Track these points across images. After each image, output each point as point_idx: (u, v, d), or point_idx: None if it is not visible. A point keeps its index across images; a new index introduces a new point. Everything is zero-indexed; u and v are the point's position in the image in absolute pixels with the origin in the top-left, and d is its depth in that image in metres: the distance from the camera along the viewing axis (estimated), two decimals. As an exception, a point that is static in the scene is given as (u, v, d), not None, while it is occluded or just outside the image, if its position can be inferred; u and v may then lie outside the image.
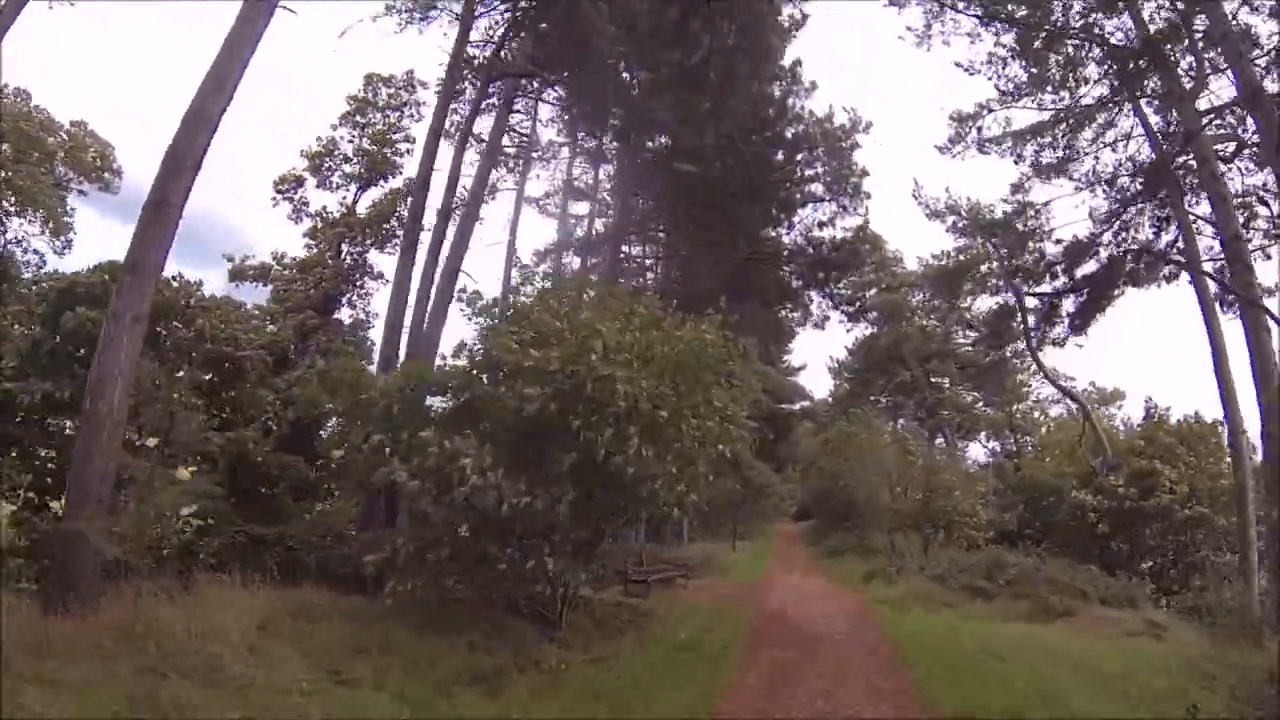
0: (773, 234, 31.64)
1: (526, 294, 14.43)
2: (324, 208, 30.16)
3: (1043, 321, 28.36)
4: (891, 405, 48.83)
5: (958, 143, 25.71)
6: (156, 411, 15.44)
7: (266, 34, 13.17)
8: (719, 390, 12.66)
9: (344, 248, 29.62)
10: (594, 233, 31.80)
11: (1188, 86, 19.72)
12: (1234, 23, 17.88)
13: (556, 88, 26.18)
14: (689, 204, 27.50)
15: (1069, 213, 45.06)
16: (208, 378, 19.63)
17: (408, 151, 29.64)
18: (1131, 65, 20.76)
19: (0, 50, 13.10)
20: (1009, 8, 22.19)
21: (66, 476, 11.39)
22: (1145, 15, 19.95)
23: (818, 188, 29.87)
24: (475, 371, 12.63)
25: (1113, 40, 21.23)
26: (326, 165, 30.34)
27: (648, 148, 28.57)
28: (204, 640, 8.15)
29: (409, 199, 23.55)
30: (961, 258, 32.90)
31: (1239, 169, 21.11)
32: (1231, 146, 20.91)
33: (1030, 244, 27.18)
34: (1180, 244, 23.00)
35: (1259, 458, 19.16)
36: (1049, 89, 23.88)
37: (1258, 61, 17.90)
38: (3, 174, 25.45)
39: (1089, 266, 25.81)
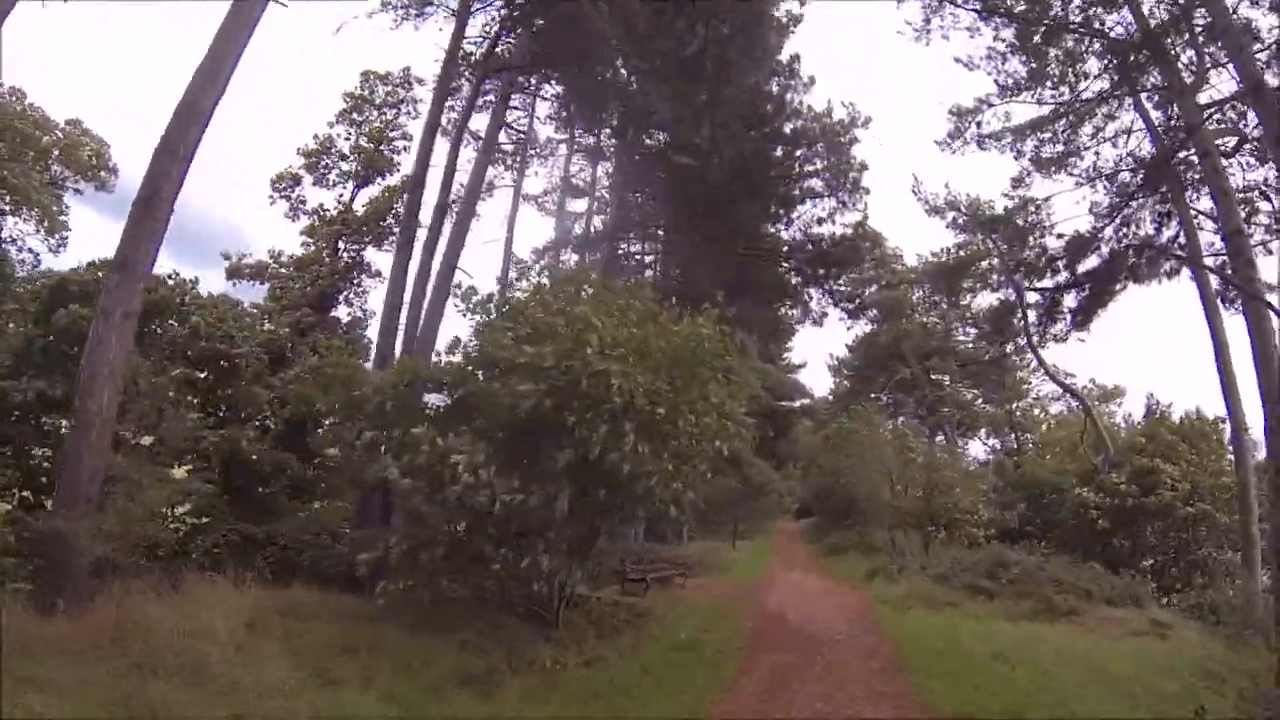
0: (772, 230, 31.50)
1: (522, 289, 14.21)
2: (321, 205, 30.11)
3: (1044, 317, 28.29)
4: (892, 403, 48.56)
5: (957, 138, 25.58)
6: (143, 408, 15.24)
7: (266, 33, 13.09)
8: (716, 386, 12.51)
9: (341, 245, 29.54)
10: (592, 230, 31.71)
11: (1188, 81, 19.58)
12: (1235, 16, 17.72)
13: (553, 83, 26.03)
14: (687, 200, 27.32)
15: (1070, 208, 45.09)
16: (202, 376, 19.54)
17: (405, 149, 29.56)
18: (1131, 59, 20.60)
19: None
20: (1008, 2, 22.07)
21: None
22: (1145, 9, 19.78)
23: (817, 183, 29.80)
24: (470, 368, 12.51)
25: (1112, 35, 21.08)
26: (323, 163, 30.28)
27: (645, 144, 28.45)
28: (191, 639, 8.05)
29: (405, 196, 23.43)
30: (962, 254, 32.90)
31: (1240, 164, 21.02)
32: (1232, 141, 20.80)
33: (1031, 239, 27.09)
34: (1181, 239, 22.90)
35: (1261, 454, 19.07)
36: (1049, 84, 23.72)
37: (1259, 55, 17.76)
38: (-2, 173, 25.29)
39: (1091, 261, 25.74)
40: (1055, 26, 21.72)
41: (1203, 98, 19.79)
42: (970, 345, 44.31)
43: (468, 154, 23.69)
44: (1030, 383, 47.55)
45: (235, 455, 18.19)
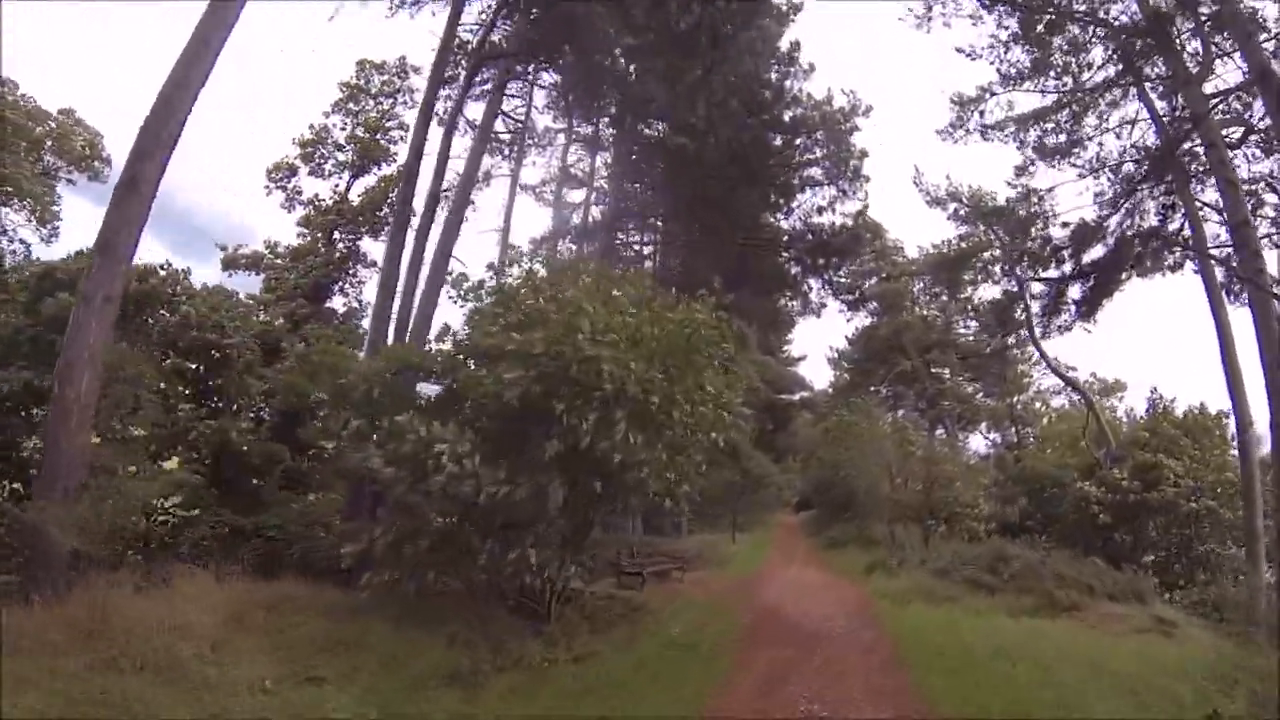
0: (771, 220, 31.25)
1: (514, 276, 13.92)
2: (316, 196, 29.89)
3: (1048, 308, 28.08)
4: (892, 396, 48.38)
5: (959, 127, 25.38)
6: (119, 394, 14.94)
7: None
8: (713, 374, 12.24)
9: (336, 235, 29.32)
10: (590, 220, 31.41)
11: (1194, 70, 19.33)
12: (1241, 4, 17.48)
13: (550, 71, 25.76)
14: (686, 189, 27.09)
15: (1073, 199, 44.84)
16: (194, 366, 19.29)
17: (401, 138, 29.25)
18: (1137, 45, 20.35)
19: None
20: (1011, -10, 21.82)
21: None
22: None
23: (817, 172, 29.59)
24: (460, 356, 12.24)
25: (1116, 24, 20.83)
26: (319, 153, 30.09)
27: (643, 134, 28.19)
28: (169, 635, 7.81)
29: (400, 184, 23.19)
30: (963, 245, 32.68)
31: (1245, 155, 20.82)
32: (1238, 132, 20.57)
33: (1033, 230, 26.86)
34: (1187, 231, 22.69)
35: (1266, 449, 18.86)
36: (1052, 73, 23.49)
37: (1266, 44, 17.52)
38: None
39: (1096, 251, 25.51)
40: (1059, 15, 21.46)
41: (1208, 88, 19.62)
42: (971, 338, 44.19)
43: (465, 143, 23.43)
44: (1031, 376, 47.46)
45: (225, 446, 17.93)
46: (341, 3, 23.47)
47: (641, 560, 19.72)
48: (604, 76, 23.19)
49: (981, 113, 25.00)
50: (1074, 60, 22.87)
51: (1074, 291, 26.91)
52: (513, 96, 27.31)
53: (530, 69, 25.91)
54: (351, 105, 30.29)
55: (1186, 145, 21.33)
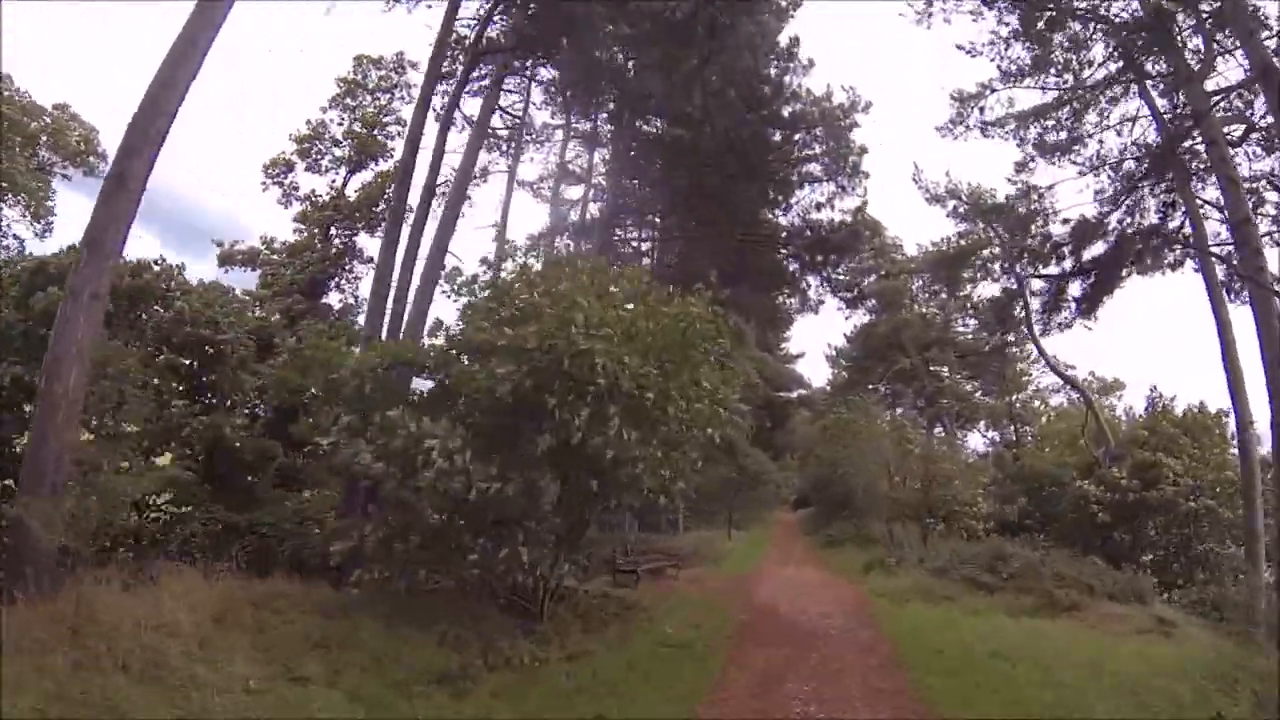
0: (770, 216, 31.07)
1: (509, 270, 13.78)
2: (313, 191, 29.81)
3: (1048, 306, 27.97)
4: (890, 394, 48.41)
5: (959, 124, 25.22)
6: (104, 389, 14.79)
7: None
8: (708, 370, 12.12)
9: (333, 231, 29.24)
10: (588, 217, 31.25)
11: (1195, 67, 19.22)
12: (1243, 0, 17.33)
13: (548, 66, 25.60)
14: (684, 181, 26.95)
15: (1073, 196, 44.69)
16: (187, 362, 19.17)
17: (399, 134, 29.24)
18: (1138, 42, 20.24)
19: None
20: (1012, -15, 21.67)
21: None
22: (1151, -3, 19.41)
23: (816, 168, 29.33)
24: (453, 351, 12.12)
25: (1117, 20, 20.71)
26: (316, 149, 30.03)
27: (642, 130, 28.05)
28: (154, 633, 7.67)
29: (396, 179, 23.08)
30: (962, 243, 32.55)
31: (1246, 153, 20.73)
32: (1239, 130, 20.47)
33: (1033, 227, 26.75)
34: (1187, 229, 22.59)
35: (1266, 448, 18.77)
36: (1053, 71, 23.36)
37: (1268, 41, 17.41)
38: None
39: (1097, 248, 25.40)
40: (1060, 12, 21.32)
41: (1209, 85, 19.53)
42: (970, 336, 44.13)
43: (462, 138, 23.28)
44: (1030, 374, 47.43)
45: (218, 442, 17.86)
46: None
47: (636, 558, 19.67)
48: (602, 72, 23.05)
49: (982, 109, 24.87)
50: (1075, 57, 22.74)
51: (1074, 289, 26.82)
52: (511, 92, 27.17)
53: (528, 65, 25.73)
54: (349, 100, 30.24)
55: (1187, 143, 21.23)
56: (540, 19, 21.44)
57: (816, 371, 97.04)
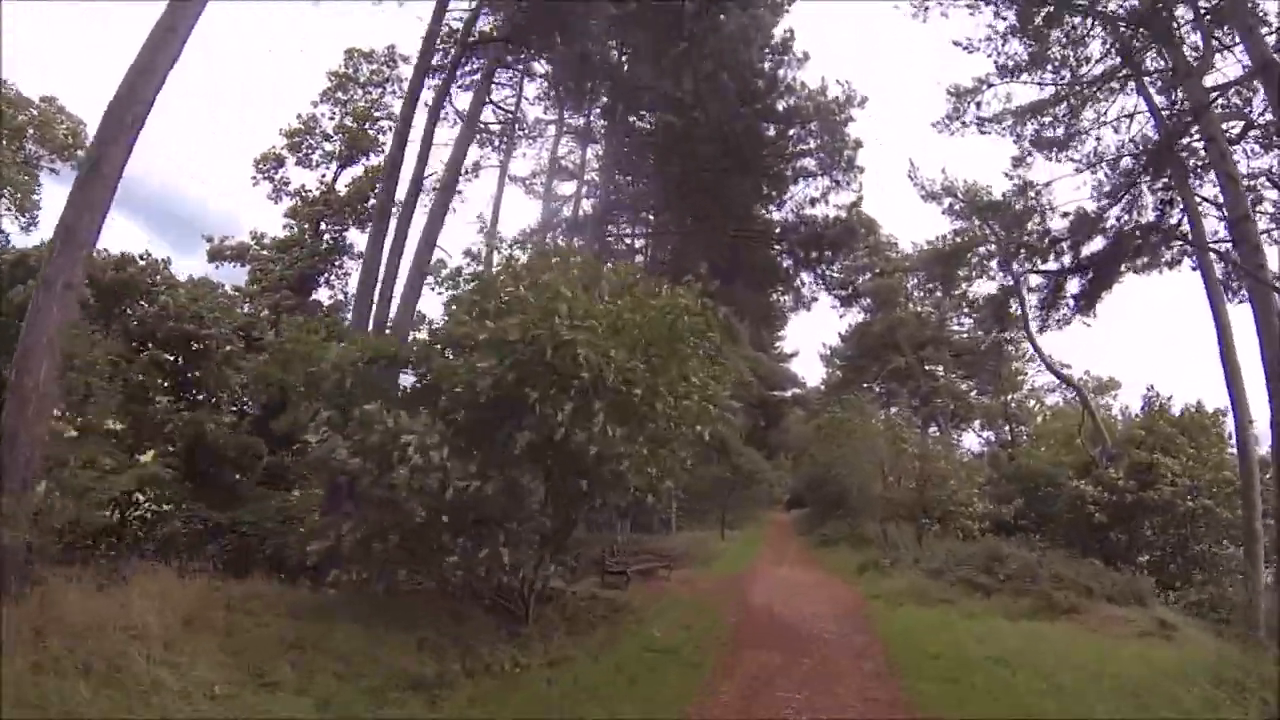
0: (764, 212, 30.79)
1: (494, 263, 13.50)
2: (303, 186, 29.58)
3: (1046, 302, 27.76)
4: (885, 392, 48.27)
5: (955, 120, 24.94)
6: (71, 382, 14.47)
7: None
8: (698, 365, 11.82)
9: (323, 226, 29.01)
10: (581, 213, 30.95)
11: (1193, 64, 19.02)
12: (1244, -6, 17.13)
13: (540, 60, 25.34)
14: (677, 172, 26.68)
15: (1070, 193, 44.61)
16: (171, 358, 18.87)
17: (389, 128, 28.91)
18: (1136, 37, 20.03)
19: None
20: (1010, -20, 21.45)
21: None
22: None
23: (810, 162, 29.03)
24: (437, 345, 11.83)
25: (1116, 16, 20.50)
26: (306, 143, 29.83)
27: (635, 126, 27.81)
28: (119, 635, 7.40)
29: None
30: (958, 240, 32.33)
31: (1245, 150, 20.54)
32: (1238, 127, 20.28)
33: (1030, 223, 26.54)
34: (1185, 226, 22.38)
35: (1265, 448, 18.57)
36: (1050, 66, 23.12)
37: (1268, 36, 17.20)
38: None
39: (1095, 244, 25.20)
40: (1057, 7, 21.09)
41: (1208, 81, 19.32)
42: (965, 335, 43.94)
43: (452, 133, 22.99)
44: (1025, 373, 47.34)
45: (200, 439, 17.54)
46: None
47: (626, 558, 19.37)
48: (594, 65, 22.77)
49: (978, 105, 24.60)
50: (1072, 53, 22.49)
51: (1072, 285, 26.60)
52: (503, 86, 26.90)
53: (520, 59, 25.50)
54: (340, 94, 30.07)
55: (1186, 139, 20.98)
56: (531, 11, 21.14)
57: (810, 370, 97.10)
